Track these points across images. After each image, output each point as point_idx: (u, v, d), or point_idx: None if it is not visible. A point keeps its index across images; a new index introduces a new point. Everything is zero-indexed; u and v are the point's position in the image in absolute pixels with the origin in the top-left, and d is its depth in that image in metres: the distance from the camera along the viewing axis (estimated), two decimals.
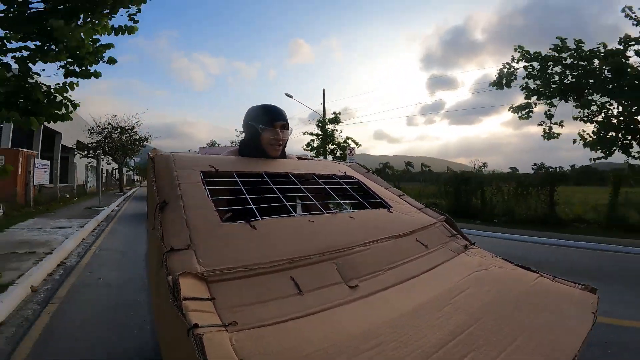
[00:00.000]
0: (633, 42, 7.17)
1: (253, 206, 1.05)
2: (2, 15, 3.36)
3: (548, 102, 8.12)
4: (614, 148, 7.65)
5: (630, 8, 7.28)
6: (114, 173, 26.65)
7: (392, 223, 1.20)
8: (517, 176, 11.40)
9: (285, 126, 1.47)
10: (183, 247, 0.78)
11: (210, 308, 0.64)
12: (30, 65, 3.65)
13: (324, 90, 18.11)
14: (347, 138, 16.67)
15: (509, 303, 0.88)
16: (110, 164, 24.76)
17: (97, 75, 4.21)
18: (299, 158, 1.73)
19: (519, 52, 8.34)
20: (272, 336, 0.62)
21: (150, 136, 24.59)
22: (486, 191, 10.50)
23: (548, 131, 8.44)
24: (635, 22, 7.38)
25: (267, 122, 1.43)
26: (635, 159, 7.64)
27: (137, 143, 23.69)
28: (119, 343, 2.39)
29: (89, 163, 21.83)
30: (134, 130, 22.44)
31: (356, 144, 16.52)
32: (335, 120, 16.77)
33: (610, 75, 7.01)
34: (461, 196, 10.76)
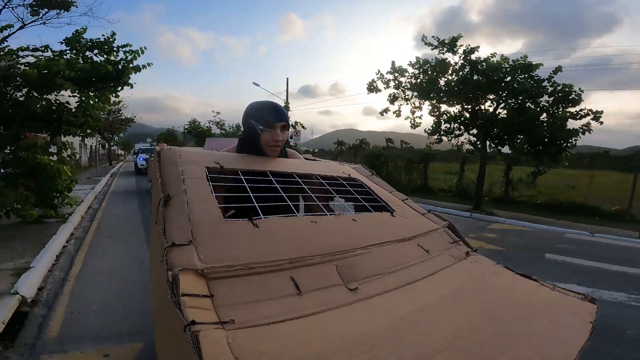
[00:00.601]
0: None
1: (256, 204, 1.05)
2: None
3: (412, 101, 10.90)
4: (446, 135, 10.75)
5: (426, 37, 9.90)
6: (98, 148, 29.71)
7: (394, 227, 1.20)
8: (408, 154, 15.24)
9: (285, 127, 1.45)
10: (184, 243, 0.78)
11: (208, 305, 0.64)
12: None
13: (287, 79, 20.84)
14: (296, 122, 19.81)
15: (507, 311, 0.88)
16: (99, 141, 29.23)
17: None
18: (305, 158, 1.73)
19: (394, 72, 10.75)
20: (269, 336, 0.62)
21: (135, 116, 29.21)
22: (390, 165, 14.13)
23: (413, 122, 11.11)
24: (432, 47, 9.75)
25: (267, 122, 1.40)
26: (471, 144, 10.62)
27: (123, 123, 28.86)
28: (126, 216, 6.70)
29: (80, 141, 23.29)
30: (120, 112, 26.55)
31: (303, 127, 20.04)
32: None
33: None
34: (374, 169, 13.33)
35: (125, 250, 4.26)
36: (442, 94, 9.93)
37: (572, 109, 8.65)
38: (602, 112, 8.44)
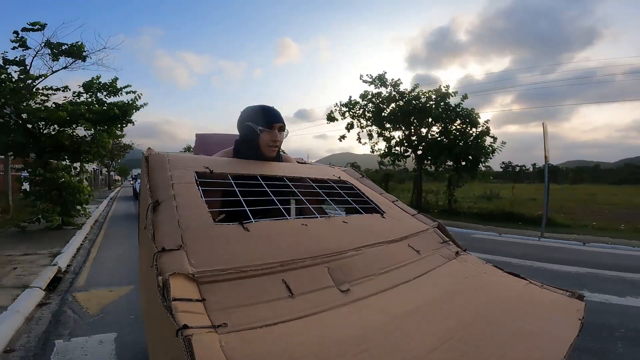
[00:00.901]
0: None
1: (247, 208, 1.05)
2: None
3: (366, 128, 12.80)
4: (396, 157, 12.55)
5: (362, 75, 12.15)
6: (96, 173, 31.15)
7: (384, 228, 1.21)
8: (372, 173, 15.90)
9: (282, 128, 1.49)
10: (174, 248, 0.78)
11: (200, 309, 0.64)
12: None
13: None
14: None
15: (497, 309, 0.89)
16: (98, 166, 30.82)
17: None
18: (298, 162, 1.73)
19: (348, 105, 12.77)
20: (261, 339, 0.61)
21: (132, 143, 29.96)
22: None
23: (373, 146, 12.91)
24: (368, 82, 11.92)
25: (265, 123, 1.44)
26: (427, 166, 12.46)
27: (121, 149, 30.26)
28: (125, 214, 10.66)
29: (80, 165, 24.97)
30: (119, 140, 26.84)
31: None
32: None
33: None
34: None
35: (126, 249, 5.68)
36: (387, 122, 12.14)
37: (475, 129, 10.98)
38: (488, 120, 11.30)
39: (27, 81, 6.34)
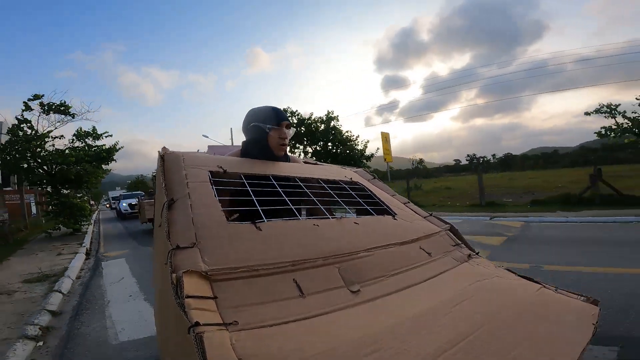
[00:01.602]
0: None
1: (259, 208, 1.06)
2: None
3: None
4: None
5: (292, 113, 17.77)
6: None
7: (396, 230, 1.20)
8: None
9: (289, 125, 1.51)
10: (188, 246, 0.79)
11: (212, 307, 0.65)
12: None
13: (231, 129, 24.47)
14: None
15: (509, 313, 0.87)
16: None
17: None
18: (305, 162, 1.73)
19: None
20: (272, 337, 0.62)
21: (109, 169, 31.67)
22: None
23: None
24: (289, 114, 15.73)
25: (274, 122, 1.46)
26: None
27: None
28: (115, 223, 15.87)
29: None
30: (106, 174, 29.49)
31: None
32: None
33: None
34: None
35: (116, 236, 10.46)
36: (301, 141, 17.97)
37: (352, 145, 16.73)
38: (368, 141, 17.56)
39: (36, 135, 9.44)
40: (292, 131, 1.54)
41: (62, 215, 9.87)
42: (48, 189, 10.31)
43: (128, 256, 6.43)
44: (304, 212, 1.38)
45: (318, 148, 17.76)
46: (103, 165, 10.80)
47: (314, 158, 15.80)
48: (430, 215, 1.44)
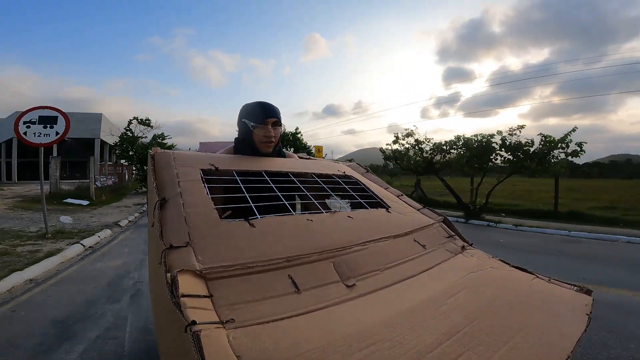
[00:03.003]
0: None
1: (252, 204, 1.05)
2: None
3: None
4: None
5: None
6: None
7: (390, 223, 1.21)
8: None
9: (276, 123, 1.48)
10: (182, 245, 0.79)
11: (208, 305, 0.65)
12: None
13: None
14: (311, 147, 22.29)
15: (504, 304, 0.89)
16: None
17: None
18: (300, 157, 1.73)
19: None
20: (269, 334, 0.62)
21: (175, 144, 31.81)
22: None
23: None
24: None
25: (258, 119, 1.44)
26: None
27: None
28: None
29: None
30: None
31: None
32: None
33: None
34: None
35: None
36: None
37: None
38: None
39: (134, 137, 17.23)
40: (280, 129, 1.51)
41: (143, 181, 16.70)
42: (137, 165, 17.79)
43: None
44: (298, 207, 1.38)
45: None
46: (165, 142, 17.61)
47: None
48: (424, 207, 1.45)
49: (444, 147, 11.34)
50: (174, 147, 17.10)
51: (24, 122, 5.71)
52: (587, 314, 0.89)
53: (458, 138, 10.88)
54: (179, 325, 0.58)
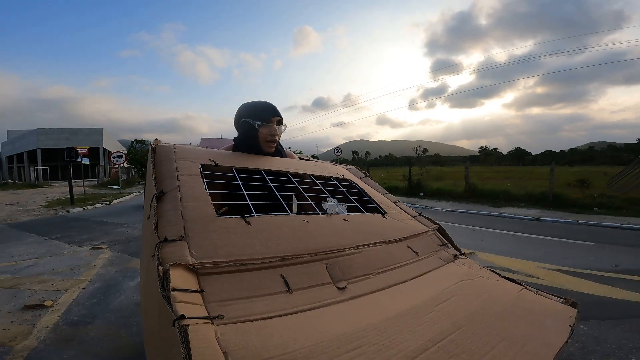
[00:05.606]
0: None
1: (249, 202, 1.06)
2: None
3: None
4: None
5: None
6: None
7: (385, 228, 1.22)
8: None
9: (280, 121, 1.49)
10: (177, 238, 0.79)
11: (198, 300, 0.65)
12: None
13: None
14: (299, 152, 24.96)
15: (491, 313, 0.90)
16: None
17: None
18: (300, 158, 1.74)
19: None
20: (257, 331, 0.63)
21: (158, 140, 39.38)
22: None
23: None
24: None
25: (264, 118, 1.45)
26: None
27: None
28: None
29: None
30: None
31: (314, 157, 27.21)
32: None
33: None
34: None
35: None
36: None
37: None
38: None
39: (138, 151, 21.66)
40: (283, 127, 1.52)
41: (143, 177, 19.21)
42: (138, 167, 20.63)
43: None
44: (294, 208, 1.38)
45: None
46: None
47: None
48: (420, 215, 1.46)
49: None
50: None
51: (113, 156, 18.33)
52: (570, 326, 0.90)
53: None
54: (167, 319, 0.59)
